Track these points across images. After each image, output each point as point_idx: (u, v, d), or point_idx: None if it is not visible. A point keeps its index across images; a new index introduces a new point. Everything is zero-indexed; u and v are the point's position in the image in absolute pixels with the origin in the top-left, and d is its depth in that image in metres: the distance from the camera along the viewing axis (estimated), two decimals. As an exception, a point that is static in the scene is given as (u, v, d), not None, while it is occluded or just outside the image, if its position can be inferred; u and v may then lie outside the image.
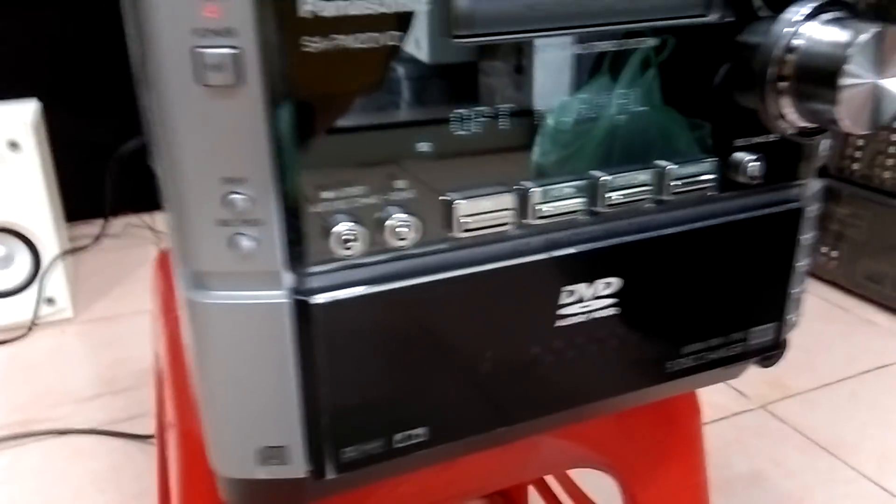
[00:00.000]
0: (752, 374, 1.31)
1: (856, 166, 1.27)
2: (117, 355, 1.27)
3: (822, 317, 1.37)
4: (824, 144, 0.42)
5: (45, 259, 1.28)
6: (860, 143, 1.25)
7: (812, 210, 0.43)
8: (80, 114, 1.47)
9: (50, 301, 1.31)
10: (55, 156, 1.40)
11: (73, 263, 1.52)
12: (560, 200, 0.36)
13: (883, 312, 1.35)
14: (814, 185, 0.44)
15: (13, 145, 1.21)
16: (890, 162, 1.22)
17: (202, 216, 0.31)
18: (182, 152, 0.30)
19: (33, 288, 1.28)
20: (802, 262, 0.44)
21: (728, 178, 0.40)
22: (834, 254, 1.34)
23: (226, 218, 0.31)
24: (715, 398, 1.20)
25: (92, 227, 1.64)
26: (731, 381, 1.21)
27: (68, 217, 1.47)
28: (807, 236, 0.44)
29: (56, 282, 1.31)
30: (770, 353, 0.45)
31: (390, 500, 0.50)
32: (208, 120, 0.30)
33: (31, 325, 1.30)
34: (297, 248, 0.32)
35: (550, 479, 0.87)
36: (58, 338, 1.31)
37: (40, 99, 1.38)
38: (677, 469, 0.61)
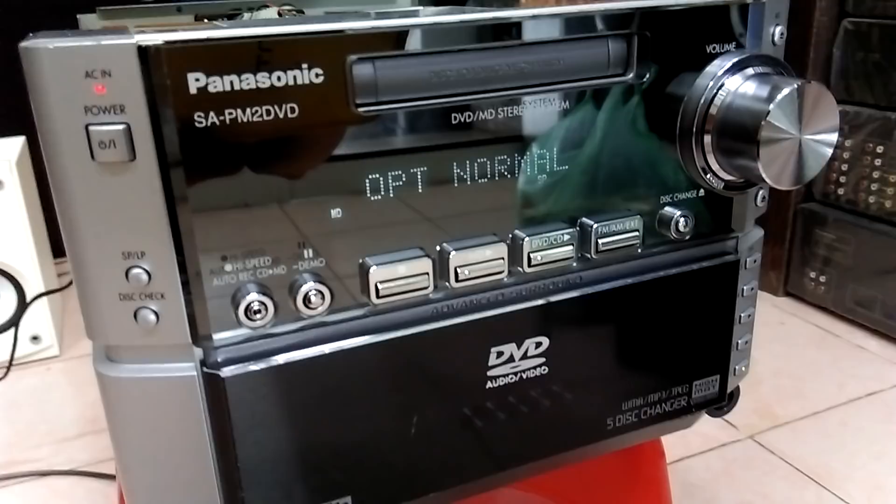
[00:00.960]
0: (742, 403, 1.29)
1: (841, 191, 1.26)
2: (102, 393, 1.26)
3: (812, 343, 1.36)
4: (762, 195, 0.42)
5: (30, 296, 1.28)
6: (844, 167, 1.24)
7: (752, 260, 0.43)
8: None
9: (35, 339, 1.31)
10: (42, 192, 1.40)
11: (60, 300, 1.51)
12: (481, 263, 0.35)
13: (873, 338, 1.33)
14: (753, 235, 0.43)
15: (-4, 184, 1.21)
16: (874, 186, 1.21)
17: (105, 291, 0.31)
18: (81, 228, 0.30)
19: (18, 326, 1.28)
20: (746, 312, 0.44)
21: (658, 232, 0.39)
22: (822, 279, 1.33)
23: (128, 292, 0.31)
24: (703, 428, 1.19)
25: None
26: (720, 410, 1.19)
27: (56, 253, 1.47)
28: (748, 286, 0.43)
29: (41, 319, 1.31)
30: (717, 404, 0.44)
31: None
32: (104, 195, 0.29)
33: (14, 364, 1.29)
34: (203, 321, 0.32)
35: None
36: (42, 375, 1.31)
37: (28, 135, 1.38)
38: (642, 515, 0.60)
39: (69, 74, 0.28)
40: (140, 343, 0.32)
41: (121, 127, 0.28)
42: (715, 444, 1.13)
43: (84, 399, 1.26)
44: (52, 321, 1.31)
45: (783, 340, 1.36)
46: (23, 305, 1.27)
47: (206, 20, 0.59)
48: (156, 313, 0.31)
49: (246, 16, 0.57)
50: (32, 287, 1.27)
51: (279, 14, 0.54)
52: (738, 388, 0.47)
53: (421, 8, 0.44)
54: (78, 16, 0.63)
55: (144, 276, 0.31)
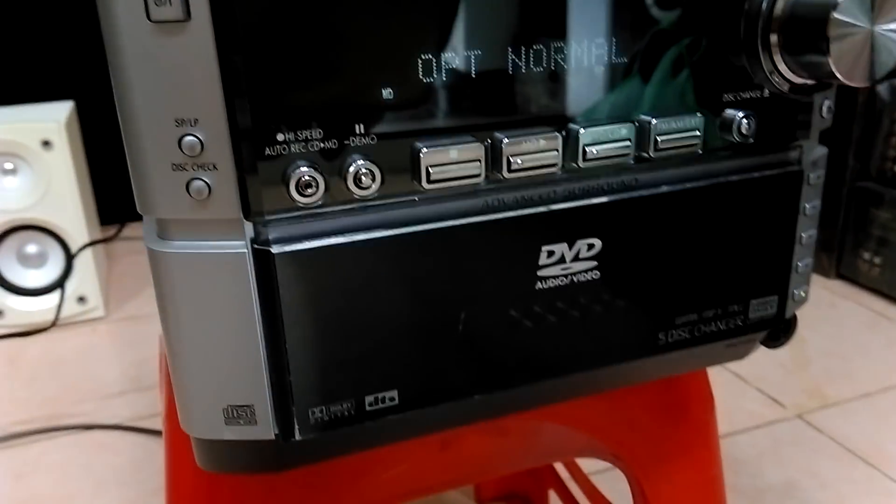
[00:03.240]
0: (790, 383, 1.25)
1: (898, 167, 1.22)
2: (144, 354, 1.29)
3: (864, 325, 1.32)
4: (828, 105, 0.40)
5: (78, 257, 1.30)
6: (902, 143, 1.20)
7: (815, 177, 0.41)
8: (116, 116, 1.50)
9: (81, 300, 1.34)
10: (92, 160, 1.43)
11: (106, 264, 1.54)
12: (533, 153, 0.34)
13: (930, 321, 1.29)
14: (817, 151, 0.41)
15: (46, 144, 1.24)
16: (934, 162, 1.17)
17: (158, 160, 0.31)
18: (134, 93, 0.30)
19: (65, 285, 1.30)
20: (807, 233, 0.42)
21: (719, 136, 0.38)
22: (877, 260, 1.29)
23: (181, 162, 0.31)
24: (749, 405, 1.16)
25: (127, 230, 1.67)
26: (767, 389, 1.16)
27: (103, 220, 1.50)
28: (811, 205, 0.41)
29: (88, 281, 1.34)
30: (773, 328, 0.43)
31: (381, 483, 0.49)
32: (159, 57, 0.29)
33: (63, 323, 1.32)
34: (255, 195, 0.31)
35: (571, 483, 0.85)
36: (88, 336, 1.34)
37: (79, 102, 1.41)
38: (689, 462, 0.58)
39: (128, -72, 0.27)
40: (192, 216, 0.32)
41: (177, -17, 0.28)
42: (762, 422, 1.10)
43: (127, 359, 1.28)
44: (98, 283, 1.33)
45: (834, 322, 1.33)
46: (69, 264, 1.29)
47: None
48: (208, 185, 0.31)
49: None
50: (79, 247, 1.30)
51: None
52: (795, 318, 0.45)
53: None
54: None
55: (198, 145, 0.30)
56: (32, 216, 1.27)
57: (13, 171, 1.26)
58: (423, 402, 0.36)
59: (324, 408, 0.35)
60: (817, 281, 1.42)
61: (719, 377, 1.08)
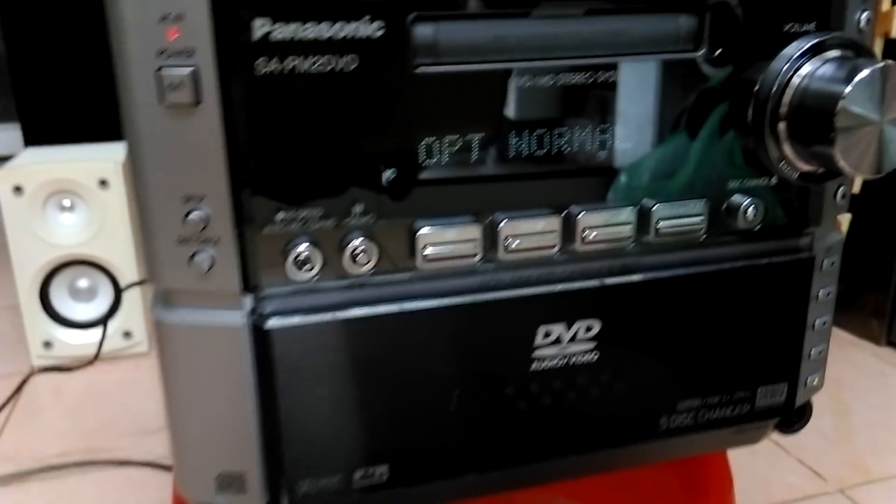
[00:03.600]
0: (832, 455, 1.21)
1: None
2: (183, 391, 1.30)
3: (915, 397, 1.26)
4: (843, 191, 0.40)
5: (126, 293, 1.34)
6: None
7: (829, 263, 0.40)
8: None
9: (127, 334, 1.37)
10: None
11: (154, 300, 1.58)
12: (532, 235, 0.34)
13: (985, 396, 1.23)
14: (831, 237, 0.40)
15: (103, 183, 1.29)
16: None
17: (164, 233, 0.32)
18: (147, 170, 0.31)
19: (112, 320, 1.34)
20: (821, 319, 0.41)
21: (724, 222, 0.37)
22: (928, 328, 1.24)
23: (186, 235, 0.32)
24: (788, 478, 1.12)
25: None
26: (808, 461, 1.12)
27: (153, 256, 1.54)
28: (824, 291, 0.40)
29: (134, 316, 1.37)
30: (783, 416, 0.42)
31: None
32: (170, 138, 0.31)
33: (107, 357, 1.35)
34: (254, 269, 0.32)
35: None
36: (131, 371, 1.37)
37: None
38: (706, 544, 0.56)
39: (146, 18, 0.29)
40: (193, 287, 0.33)
41: (189, 69, 0.30)
42: (801, 496, 1.06)
43: (166, 395, 1.31)
44: (144, 319, 1.37)
45: (883, 392, 1.28)
46: (118, 299, 1.33)
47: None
48: (211, 258, 0.32)
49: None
50: (128, 283, 1.34)
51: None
52: (809, 405, 0.44)
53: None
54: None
55: (202, 220, 0.32)
56: (86, 252, 1.32)
57: (70, 208, 1.32)
58: (413, 479, 0.36)
59: (313, 480, 0.35)
60: (866, 348, 1.37)
61: (757, 445, 1.04)
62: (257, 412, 0.34)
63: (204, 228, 0.32)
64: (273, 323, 0.33)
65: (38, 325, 1.33)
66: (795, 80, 0.35)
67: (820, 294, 0.40)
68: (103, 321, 1.34)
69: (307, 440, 0.34)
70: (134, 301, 1.35)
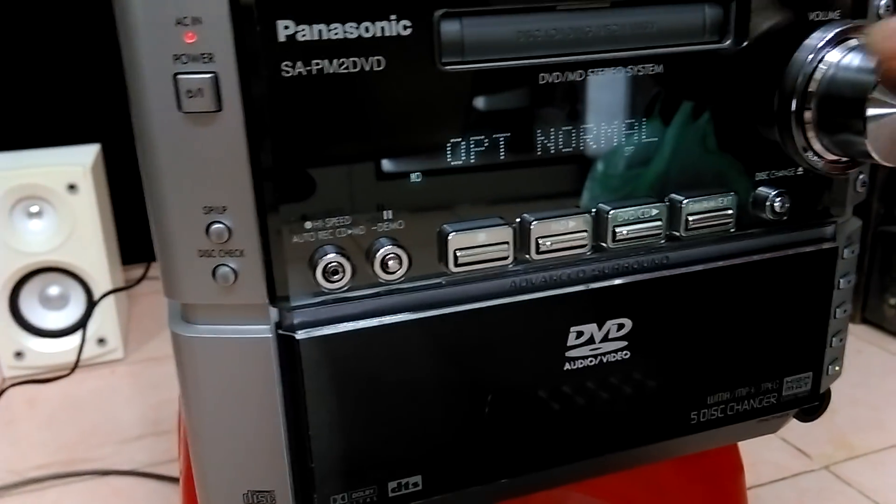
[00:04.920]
0: (815, 433, 1.23)
1: (923, 213, 1.21)
2: (164, 396, 1.28)
3: (891, 372, 1.29)
4: (862, 180, 0.39)
5: (99, 302, 1.30)
6: (927, 188, 1.19)
7: (850, 251, 0.40)
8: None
9: (101, 341, 1.34)
10: (115, 200, 1.44)
11: (127, 304, 1.55)
12: (562, 235, 0.33)
13: (958, 368, 1.26)
14: (851, 225, 0.40)
15: (71, 187, 1.25)
16: (960, 208, 1.16)
17: (184, 247, 0.30)
18: (164, 181, 0.30)
19: (86, 328, 1.30)
20: (842, 307, 0.41)
21: (752, 214, 0.37)
22: (903, 305, 1.27)
23: (208, 248, 0.30)
24: (774, 456, 1.13)
25: (149, 272, 1.68)
26: (792, 439, 1.14)
27: (125, 260, 1.51)
28: (845, 279, 0.40)
29: (108, 323, 1.34)
30: (809, 403, 0.42)
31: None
32: (189, 147, 0.29)
33: (81, 365, 1.32)
34: (281, 280, 0.31)
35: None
36: (107, 378, 1.33)
37: (105, 143, 1.43)
38: (718, 532, 0.57)
39: (160, 21, 0.28)
40: (217, 302, 0.31)
41: (209, 76, 0.28)
42: (787, 474, 1.07)
43: (146, 402, 1.28)
44: (118, 325, 1.34)
45: (860, 369, 1.30)
46: (91, 307, 1.30)
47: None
48: (234, 271, 0.31)
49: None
50: (101, 290, 1.31)
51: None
52: (829, 391, 0.44)
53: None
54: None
55: (225, 232, 0.30)
56: (56, 258, 1.28)
57: (38, 214, 1.28)
58: (448, 487, 0.35)
59: (346, 494, 0.34)
60: (843, 326, 1.40)
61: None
62: (285, 426, 0.33)
63: (227, 240, 0.30)
64: (302, 335, 0.31)
65: (8, 335, 1.28)
66: (821, 68, 0.34)
67: (841, 282, 0.40)
68: (78, 328, 1.30)
69: (339, 453, 0.33)
70: (108, 307, 1.31)
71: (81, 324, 1.30)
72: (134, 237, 1.51)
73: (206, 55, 0.28)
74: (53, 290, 1.31)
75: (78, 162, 1.24)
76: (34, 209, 1.25)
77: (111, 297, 1.31)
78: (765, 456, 1.11)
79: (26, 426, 1.21)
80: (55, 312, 1.32)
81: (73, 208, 1.23)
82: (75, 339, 1.31)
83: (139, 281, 1.60)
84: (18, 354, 1.30)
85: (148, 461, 1.11)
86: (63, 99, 1.61)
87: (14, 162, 1.27)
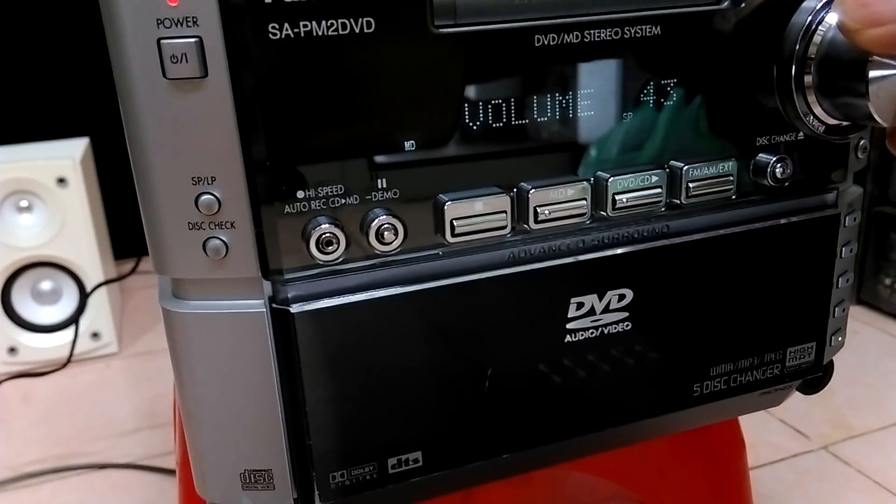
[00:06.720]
0: (814, 413, 1.22)
1: (919, 192, 1.21)
2: (159, 390, 1.27)
3: (887, 353, 1.29)
4: (863, 145, 0.39)
5: (92, 294, 1.30)
6: (924, 167, 1.18)
7: (851, 219, 0.40)
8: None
9: (95, 335, 1.33)
10: (106, 194, 1.43)
11: (120, 299, 1.54)
12: (561, 203, 0.33)
13: (955, 348, 1.27)
14: (852, 192, 0.40)
15: (61, 181, 1.24)
16: (956, 186, 1.15)
17: (173, 220, 0.30)
18: (150, 152, 0.29)
19: (79, 322, 1.29)
20: (844, 276, 0.40)
21: (753, 181, 0.36)
22: (899, 285, 1.27)
23: (197, 221, 0.30)
24: (773, 437, 1.13)
25: (141, 264, 1.67)
26: (791, 420, 1.13)
27: (117, 255, 1.50)
28: (847, 247, 0.40)
29: (102, 317, 1.33)
30: (812, 376, 0.41)
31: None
32: (175, 115, 0.28)
33: (76, 360, 1.31)
34: (274, 253, 0.30)
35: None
36: (102, 372, 1.32)
37: (94, 136, 1.41)
38: (720, 509, 0.56)
39: (142, -15, 0.27)
40: (209, 276, 0.30)
41: (193, 40, 0.27)
42: (786, 455, 1.07)
43: (141, 395, 1.27)
44: (111, 319, 1.33)
45: (856, 350, 1.30)
46: (84, 299, 1.29)
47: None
48: (225, 244, 0.30)
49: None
50: (93, 284, 1.30)
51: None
52: (832, 364, 0.44)
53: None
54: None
55: (215, 204, 0.29)
56: (47, 253, 1.27)
57: (28, 209, 1.26)
58: (448, 463, 0.35)
59: (345, 472, 0.33)
60: (839, 307, 1.40)
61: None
62: (282, 404, 0.32)
63: (217, 212, 0.29)
64: (297, 308, 0.31)
65: (1, 330, 1.27)
66: (821, 30, 0.34)
67: (843, 250, 0.39)
68: (71, 323, 1.29)
69: (337, 430, 0.33)
70: (101, 302, 1.30)
71: (74, 318, 1.29)
72: (125, 232, 1.50)
73: (190, 18, 0.27)
74: (45, 285, 1.30)
75: (67, 155, 1.23)
76: (24, 203, 1.24)
77: (104, 292, 1.30)
78: (764, 437, 1.11)
79: (21, 422, 1.20)
80: (48, 307, 1.31)
81: (63, 202, 1.22)
82: (69, 333, 1.30)
83: (131, 272, 1.59)
84: (12, 350, 1.29)
85: (144, 454, 1.11)
86: (51, 92, 1.59)
87: (2, 156, 1.26)
